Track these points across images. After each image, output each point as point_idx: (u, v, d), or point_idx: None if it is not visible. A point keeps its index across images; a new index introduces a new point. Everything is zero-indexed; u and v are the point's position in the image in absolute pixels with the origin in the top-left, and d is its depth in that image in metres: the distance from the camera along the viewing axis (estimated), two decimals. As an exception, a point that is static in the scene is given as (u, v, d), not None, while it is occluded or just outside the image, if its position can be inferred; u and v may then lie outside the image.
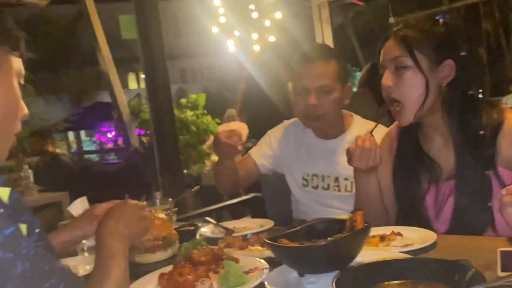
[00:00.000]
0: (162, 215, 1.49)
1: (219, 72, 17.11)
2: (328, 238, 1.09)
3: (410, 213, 1.49)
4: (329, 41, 5.18)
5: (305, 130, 2.02)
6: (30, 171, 4.68)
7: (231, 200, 3.42)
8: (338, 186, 1.92)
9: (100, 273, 0.92)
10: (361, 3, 8.32)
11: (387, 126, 1.70)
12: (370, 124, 2.02)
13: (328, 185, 1.94)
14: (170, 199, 1.79)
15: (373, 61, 3.27)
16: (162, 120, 5.15)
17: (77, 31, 16.42)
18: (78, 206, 1.69)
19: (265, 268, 1.15)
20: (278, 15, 6.43)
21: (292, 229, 1.23)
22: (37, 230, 0.75)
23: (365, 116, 2.03)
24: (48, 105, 15.90)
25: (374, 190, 1.52)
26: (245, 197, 3.45)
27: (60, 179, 5.15)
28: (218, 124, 7.99)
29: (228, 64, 11.06)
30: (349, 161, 1.49)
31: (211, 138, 7.48)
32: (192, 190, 2.77)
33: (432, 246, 1.25)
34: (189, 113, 7.87)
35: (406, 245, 1.27)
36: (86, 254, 1.56)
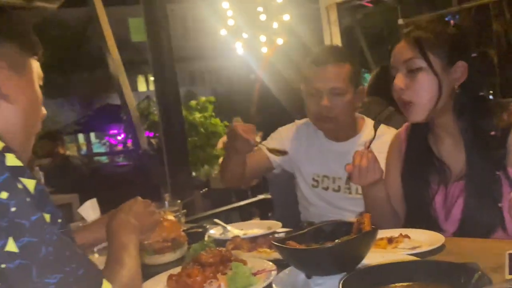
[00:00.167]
0: (171, 217, 1.51)
1: (228, 75, 17.15)
2: (336, 240, 1.10)
3: (418, 214, 1.49)
4: (338, 43, 5.15)
5: (316, 132, 2.02)
6: (40, 173, 4.72)
7: (240, 202, 3.43)
8: (349, 189, 1.92)
9: (113, 264, 0.95)
10: (369, 4, 8.30)
11: (399, 127, 1.70)
12: (382, 127, 2.02)
13: (339, 187, 1.94)
14: (179, 201, 1.81)
15: (381, 66, 3.22)
16: (171, 122, 5.18)
17: (87, 34, 16.56)
18: (89, 208, 1.71)
19: (273, 270, 1.16)
20: (286, 17, 6.43)
21: (300, 231, 1.24)
22: (59, 220, 0.81)
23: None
24: (59, 108, 16.06)
25: (381, 197, 1.54)
26: (253, 199, 3.47)
27: (70, 181, 5.19)
28: (226, 126, 8.02)
29: (237, 67, 11.09)
30: (349, 179, 1.49)
31: (221, 141, 7.52)
32: (201, 192, 2.78)
33: (440, 248, 1.25)
34: (198, 115, 7.91)
35: (414, 248, 1.27)
36: (96, 255, 1.58)
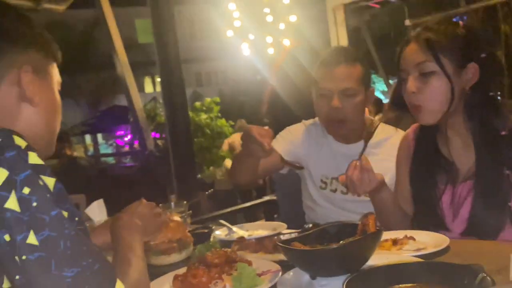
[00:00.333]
0: (177, 218, 1.52)
1: (234, 76, 17.17)
2: (340, 242, 1.10)
3: (425, 213, 1.50)
4: (344, 44, 5.16)
5: (325, 133, 2.00)
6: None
7: (245, 204, 3.44)
8: None
9: (121, 264, 0.97)
10: (376, 5, 8.28)
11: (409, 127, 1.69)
12: (390, 129, 2.02)
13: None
14: (185, 202, 1.82)
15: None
16: (177, 123, 5.21)
17: (94, 36, 16.65)
18: (95, 209, 1.73)
19: (278, 271, 1.16)
20: (293, 18, 6.44)
21: (305, 232, 1.24)
22: (76, 219, 0.84)
23: None
24: (66, 109, 16.05)
25: (387, 200, 1.54)
26: (259, 201, 3.48)
27: (77, 182, 5.23)
28: (232, 126, 8.04)
29: (243, 68, 11.10)
30: (348, 190, 1.51)
31: (226, 143, 7.53)
32: (206, 193, 2.79)
33: (445, 250, 1.25)
34: (204, 116, 7.93)
35: (418, 249, 1.27)
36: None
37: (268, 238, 1.52)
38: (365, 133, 1.55)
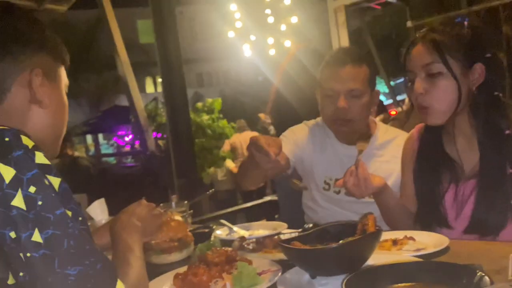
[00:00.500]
0: (178, 217, 1.53)
1: (235, 76, 17.19)
2: (340, 241, 1.11)
3: (428, 211, 1.50)
4: (345, 45, 5.17)
5: (328, 134, 2.00)
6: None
7: (246, 204, 3.45)
8: None
9: (120, 265, 0.98)
10: (378, 7, 8.28)
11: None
12: (394, 130, 2.02)
13: None
14: (186, 202, 1.83)
15: None
16: (178, 123, 5.21)
17: (96, 36, 16.67)
18: (97, 208, 1.74)
19: (278, 270, 1.17)
20: (294, 19, 6.45)
21: (305, 232, 1.25)
22: (80, 218, 0.86)
23: None
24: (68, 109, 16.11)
25: (391, 203, 1.55)
26: (259, 201, 3.48)
27: (78, 182, 5.24)
28: (233, 127, 8.05)
29: (244, 68, 11.11)
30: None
31: (227, 143, 7.53)
32: (207, 193, 2.80)
33: (445, 250, 1.25)
34: (205, 117, 7.94)
35: (418, 250, 1.27)
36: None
37: (268, 237, 1.52)
38: (358, 145, 1.53)
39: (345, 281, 0.83)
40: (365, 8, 7.80)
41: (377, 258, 1.10)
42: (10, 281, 0.82)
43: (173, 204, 1.83)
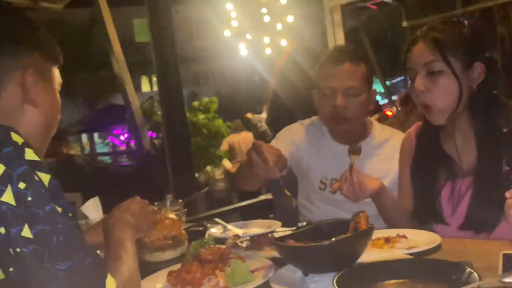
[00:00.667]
0: (172, 215, 1.53)
1: (231, 76, 17.17)
2: (332, 239, 1.12)
3: (425, 207, 1.52)
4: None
5: (323, 133, 1.99)
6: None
7: (241, 203, 3.45)
8: None
9: (112, 260, 0.98)
10: (373, 6, 8.30)
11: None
12: (389, 130, 2.02)
13: None
14: (180, 200, 1.83)
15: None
16: (174, 122, 5.21)
17: (92, 35, 16.62)
18: (91, 206, 1.74)
19: (271, 267, 1.18)
20: (290, 18, 6.46)
21: (298, 230, 1.26)
22: (70, 214, 0.86)
23: None
24: (63, 107, 16.07)
25: (389, 204, 1.57)
26: (254, 200, 3.49)
27: (73, 180, 5.21)
28: (229, 127, 8.05)
29: (240, 68, 11.11)
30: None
31: (225, 143, 7.54)
32: (202, 191, 2.80)
33: (436, 248, 1.26)
34: (201, 116, 7.93)
35: (410, 248, 1.28)
36: (97, 252, 1.60)
37: (262, 235, 1.53)
38: (351, 149, 1.53)
39: (336, 278, 0.84)
40: (361, 7, 7.82)
41: (368, 255, 1.12)
42: (0, 276, 0.83)
43: (168, 202, 1.83)
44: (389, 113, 6.30)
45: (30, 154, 0.84)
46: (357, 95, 1.83)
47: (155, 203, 1.71)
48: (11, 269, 0.80)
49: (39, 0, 5.42)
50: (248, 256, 1.27)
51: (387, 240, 1.35)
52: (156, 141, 7.87)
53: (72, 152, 6.49)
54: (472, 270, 0.77)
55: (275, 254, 1.23)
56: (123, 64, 7.14)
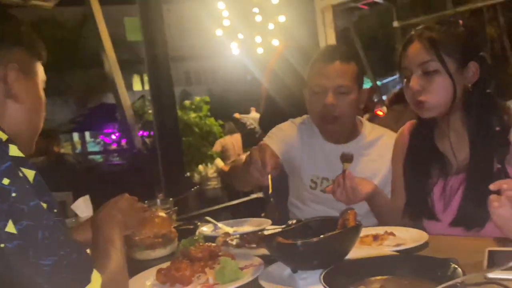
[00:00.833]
0: (162, 214, 1.54)
1: (223, 75, 17.15)
2: (321, 236, 1.13)
3: (417, 204, 1.54)
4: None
5: (314, 132, 2.00)
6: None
7: (232, 201, 3.46)
8: None
9: (100, 257, 0.99)
10: (365, 7, 8.34)
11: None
12: (379, 129, 2.04)
13: None
14: (171, 199, 1.83)
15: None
16: (165, 121, 5.19)
17: (83, 33, 16.53)
18: (82, 205, 1.74)
19: (260, 265, 1.19)
20: (282, 18, 6.46)
21: (288, 228, 1.27)
22: (55, 210, 0.87)
23: None
24: (54, 106, 16.01)
25: (384, 204, 1.59)
26: (245, 198, 3.49)
27: (64, 179, 5.19)
28: (221, 125, 8.05)
29: (232, 67, 11.10)
30: None
31: (218, 144, 7.54)
32: (192, 189, 2.81)
33: (424, 245, 1.28)
34: (193, 115, 7.92)
35: (398, 245, 1.30)
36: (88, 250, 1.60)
37: (252, 233, 1.54)
38: (343, 156, 1.53)
39: (323, 274, 0.85)
40: (352, 8, 7.85)
41: (357, 252, 1.13)
42: None
43: (158, 201, 1.83)
44: (379, 112, 6.33)
45: (14, 150, 0.84)
46: (347, 93, 1.84)
47: (146, 201, 1.71)
48: None
49: (30, -2, 5.37)
50: (238, 254, 1.27)
51: (375, 237, 1.36)
52: (147, 140, 7.85)
53: (63, 151, 6.46)
54: (457, 266, 0.79)
55: (265, 252, 1.24)
56: (115, 63, 7.11)
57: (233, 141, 7.44)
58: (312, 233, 1.20)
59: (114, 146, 15.22)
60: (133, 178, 6.61)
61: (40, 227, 0.82)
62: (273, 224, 1.71)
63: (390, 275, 0.88)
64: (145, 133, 8.12)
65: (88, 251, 1.48)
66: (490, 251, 1.09)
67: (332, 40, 5.26)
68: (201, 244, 1.28)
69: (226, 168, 6.19)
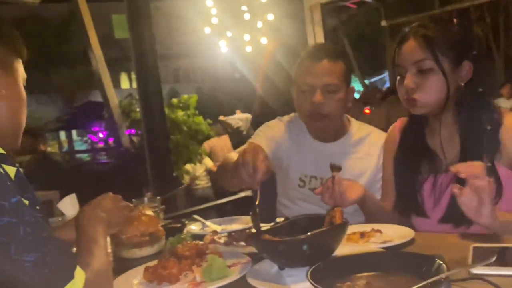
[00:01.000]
0: (149, 212, 1.53)
1: (212, 73, 17.12)
2: (308, 233, 1.13)
3: (407, 200, 1.55)
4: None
5: (302, 131, 2.00)
6: (21, 169, 4.67)
7: (220, 200, 3.46)
8: None
9: (83, 255, 0.98)
10: (353, 6, 8.38)
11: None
12: (366, 127, 2.05)
13: None
14: (158, 197, 1.83)
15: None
16: (153, 119, 5.17)
17: (70, 30, 16.37)
18: (68, 203, 1.72)
19: (248, 262, 1.19)
20: (270, 16, 6.47)
21: (275, 225, 1.27)
22: (37, 207, 0.87)
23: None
24: (40, 104, 15.85)
25: (374, 206, 1.59)
26: (234, 197, 3.49)
27: (51, 178, 5.14)
28: (210, 124, 8.03)
29: (221, 65, 11.09)
30: None
31: (207, 146, 7.53)
32: (179, 188, 2.80)
33: (410, 242, 1.29)
34: (180, 113, 7.88)
35: (385, 242, 1.31)
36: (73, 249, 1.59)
37: (240, 231, 1.54)
38: (333, 165, 1.50)
39: (310, 271, 0.85)
40: (341, 7, 7.90)
41: (344, 249, 1.13)
42: None
43: (146, 199, 1.83)
44: (367, 111, 6.37)
45: None
46: (335, 92, 1.84)
47: (133, 200, 1.70)
48: None
49: (15, -7, 5.31)
50: (225, 252, 1.27)
51: (362, 234, 1.37)
52: (135, 139, 7.80)
53: (49, 149, 6.40)
54: (442, 262, 0.80)
55: (253, 249, 1.24)
56: (102, 61, 7.06)
57: (221, 143, 7.43)
58: (300, 230, 1.21)
59: (101, 145, 15.09)
60: (120, 177, 6.58)
61: (22, 224, 0.81)
62: (262, 222, 1.70)
63: (377, 272, 0.88)
64: (133, 132, 8.06)
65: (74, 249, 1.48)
66: (475, 247, 1.11)
67: (320, 38, 5.28)
68: (188, 242, 1.28)
69: (215, 168, 6.18)
